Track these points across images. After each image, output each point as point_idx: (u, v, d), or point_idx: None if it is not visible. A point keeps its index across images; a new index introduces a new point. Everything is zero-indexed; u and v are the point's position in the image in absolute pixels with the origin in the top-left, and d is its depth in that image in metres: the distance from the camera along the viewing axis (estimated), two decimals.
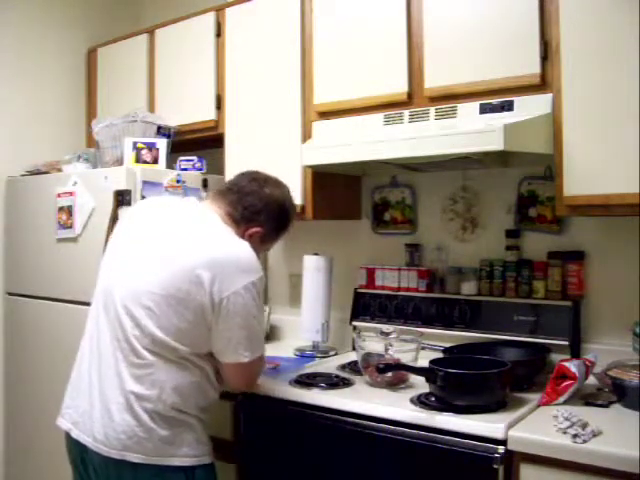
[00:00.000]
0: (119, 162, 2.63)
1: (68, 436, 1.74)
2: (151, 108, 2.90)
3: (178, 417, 1.64)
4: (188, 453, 1.64)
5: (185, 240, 1.67)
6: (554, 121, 1.84)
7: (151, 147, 2.59)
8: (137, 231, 1.76)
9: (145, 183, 2.42)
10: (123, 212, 2.29)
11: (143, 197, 2.38)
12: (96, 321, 1.72)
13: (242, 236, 1.77)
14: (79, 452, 1.71)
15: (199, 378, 1.68)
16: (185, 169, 2.64)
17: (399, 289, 2.45)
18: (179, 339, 1.61)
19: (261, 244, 1.84)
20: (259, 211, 1.80)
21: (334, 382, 2.02)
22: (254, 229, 1.80)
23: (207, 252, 1.64)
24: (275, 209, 1.84)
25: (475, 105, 1.96)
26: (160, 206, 1.85)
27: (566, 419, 1.54)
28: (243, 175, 1.90)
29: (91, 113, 3.23)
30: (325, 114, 2.33)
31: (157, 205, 1.87)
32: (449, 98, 2.03)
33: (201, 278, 1.58)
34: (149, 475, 1.61)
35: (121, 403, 1.61)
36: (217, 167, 2.67)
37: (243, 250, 1.68)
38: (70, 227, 2.57)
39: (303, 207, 2.38)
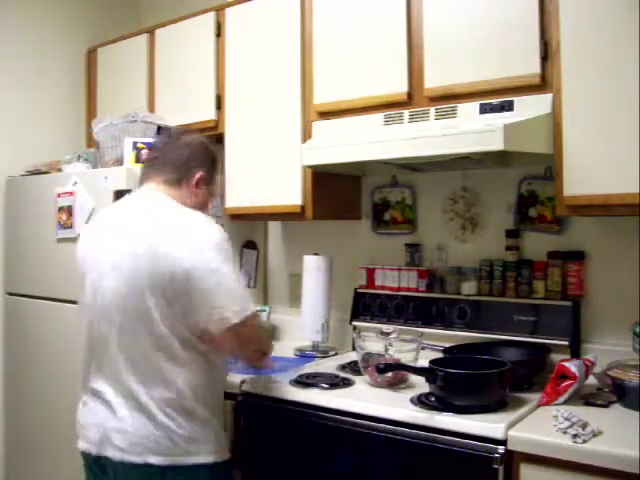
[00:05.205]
0: (119, 162, 2.63)
1: (88, 455, 1.71)
2: (151, 108, 2.90)
3: (196, 412, 1.63)
4: (209, 449, 1.64)
5: (143, 232, 1.66)
6: (554, 121, 1.84)
7: (151, 147, 2.59)
8: (104, 245, 1.73)
9: (140, 184, 2.41)
10: None
11: None
12: (95, 339, 1.70)
13: (190, 190, 1.79)
14: (100, 466, 1.68)
15: (209, 367, 1.67)
16: None
17: (399, 289, 2.45)
18: (181, 328, 1.61)
19: (208, 188, 1.86)
20: (188, 159, 1.81)
21: (334, 382, 2.02)
22: (196, 176, 1.81)
23: (160, 235, 1.63)
24: (199, 148, 1.87)
25: (475, 105, 1.96)
26: (110, 215, 1.84)
27: (566, 419, 1.54)
28: (156, 144, 1.94)
29: (91, 113, 3.23)
30: (325, 114, 2.33)
31: (107, 215, 1.85)
32: (449, 98, 2.03)
33: (167, 260, 1.59)
34: (173, 476, 1.60)
35: (139, 409, 1.60)
36: None
37: (190, 217, 1.69)
38: (70, 227, 2.57)
39: (303, 207, 2.38)
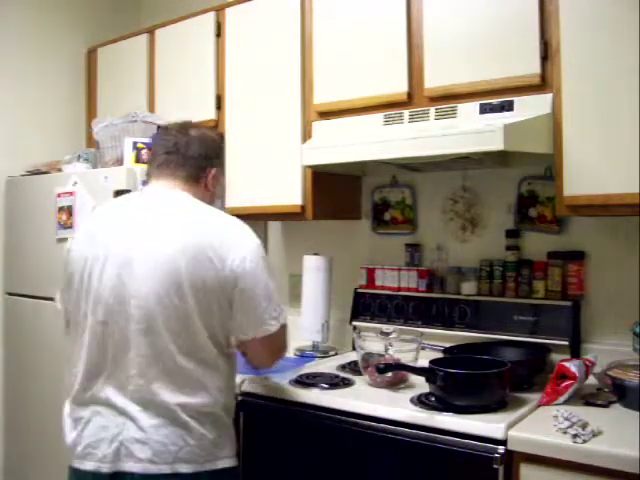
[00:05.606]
0: (119, 162, 2.63)
1: (96, 476, 1.52)
2: (151, 108, 2.90)
3: (220, 415, 1.59)
4: (230, 454, 1.60)
5: (181, 232, 1.57)
6: (554, 121, 1.84)
7: (151, 147, 2.59)
8: (123, 245, 1.58)
9: (145, 183, 2.41)
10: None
11: None
12: (107, 342, 1.56)
13: (206, 187, 1.75)
14: None
15: (232, 370, 1.65)
16: None
17: (399, 289, 2.45)
18: (219, 331, 1.57)
19: (218, 182, 1.82)
20: (206, 155, 1.76)
21: (334, 382, 2.02)
22: (211, 172, 1.76)
23: (206, 236, 1.57)
24: (213, 143, 1.82)
25: (475, 105, 1.96)
26: (122, 212, 1.71)
27: (566, 419, 1.54)
28: (164, 135, 1.81)
29: (91, 113, 3.23)
30: (325, 114, 2.33)
31: (118, 213, 1.71)
32: (449, 98, 2.02)
33: (217, 262, 1.53)
34: None
35: (166, 416, 1.50)
36: None
37: (228, 219, 1.66)
38: (70, 227, 2.57)
39: (303, 207, 2.38)
